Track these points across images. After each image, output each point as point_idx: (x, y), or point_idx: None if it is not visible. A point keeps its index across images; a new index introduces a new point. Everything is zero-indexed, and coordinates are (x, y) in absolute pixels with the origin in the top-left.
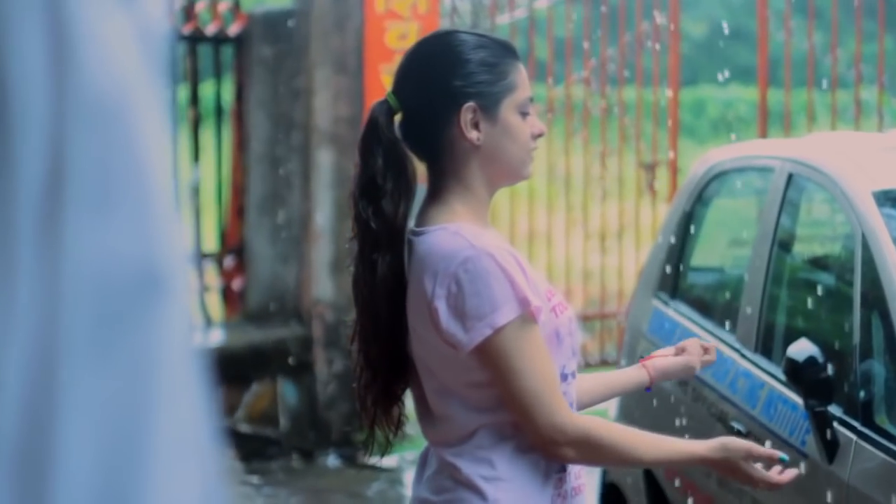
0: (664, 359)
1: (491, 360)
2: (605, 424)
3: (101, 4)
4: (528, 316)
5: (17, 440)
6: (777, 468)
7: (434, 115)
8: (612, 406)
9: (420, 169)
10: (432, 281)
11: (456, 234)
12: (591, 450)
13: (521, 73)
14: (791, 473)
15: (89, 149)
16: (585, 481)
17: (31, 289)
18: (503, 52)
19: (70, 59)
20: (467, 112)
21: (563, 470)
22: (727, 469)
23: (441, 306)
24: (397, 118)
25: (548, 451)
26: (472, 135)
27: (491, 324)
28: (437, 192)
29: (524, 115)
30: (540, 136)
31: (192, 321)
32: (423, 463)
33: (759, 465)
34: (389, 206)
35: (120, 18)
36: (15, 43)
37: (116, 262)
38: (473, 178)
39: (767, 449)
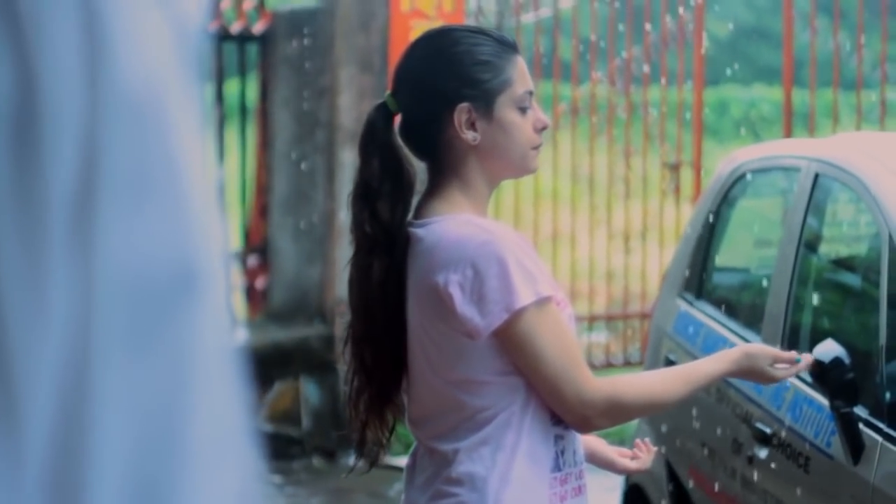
0: (604, 448)
1: (511, 344)
2: (628, 381)
3: (135, 1)
4: (543, 300)
5: (52, 441)
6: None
7: (430, 116)
8: None
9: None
10: (445, 268)
11: (467, 222)
12: (621, 412)
13: (518, 68)
14: (805, 364)
15: (122, 146)
16: (587, 482)
17: (64, 289)
18: (498, 47)
19: (104, 56)
20: (461, 112)
21: (559, 469)
22: (752, 375)
23: (456, 292)
24: (397, 119)
25: (580, 426)
26: (468, 135)
27: (508, 307)
28: (436, 187)
29: (523, 109)
30: (543, 129)
31: (230, 319)
32: (412, 466)
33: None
34: (386, 209)
35: (155, 15)
36: (48, 39)
37: (150, 261)
38: (473, 174)
39: (786, 353)
